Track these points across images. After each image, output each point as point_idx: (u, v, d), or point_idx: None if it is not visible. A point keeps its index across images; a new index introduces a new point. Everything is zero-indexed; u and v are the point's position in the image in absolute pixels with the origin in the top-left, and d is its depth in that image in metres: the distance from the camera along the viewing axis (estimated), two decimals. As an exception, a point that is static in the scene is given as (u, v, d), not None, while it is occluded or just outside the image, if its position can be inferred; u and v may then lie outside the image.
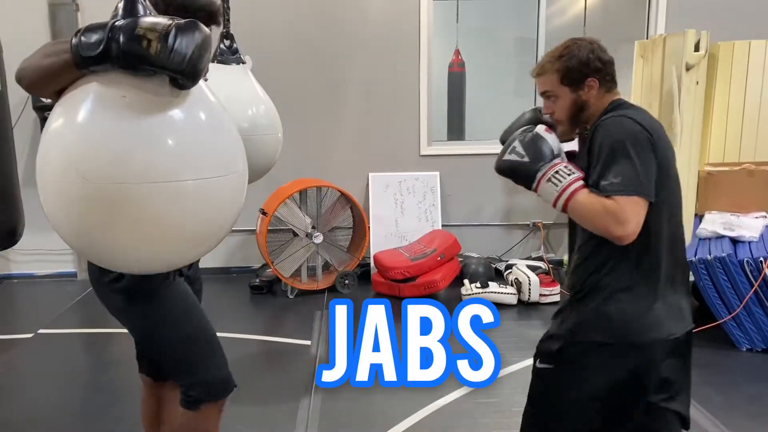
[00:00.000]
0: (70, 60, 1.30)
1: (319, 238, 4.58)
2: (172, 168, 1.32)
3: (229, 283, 4.90)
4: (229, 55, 2.74)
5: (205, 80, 1.53)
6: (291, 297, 4.56)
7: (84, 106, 1.32)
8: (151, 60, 1.25)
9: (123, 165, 1.28)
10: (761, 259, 3.38)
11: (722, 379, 3.21)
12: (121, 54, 1.25)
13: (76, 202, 1.30)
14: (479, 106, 5.76)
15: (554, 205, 1.56)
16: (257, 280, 4.69)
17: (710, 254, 3.49)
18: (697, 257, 3.51)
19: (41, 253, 4.73)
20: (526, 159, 1.61)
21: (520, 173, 1.63)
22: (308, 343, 3.75)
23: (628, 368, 1.61)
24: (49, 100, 1.45)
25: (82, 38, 1.29)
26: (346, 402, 3.02)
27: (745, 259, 3.41)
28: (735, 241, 3.67)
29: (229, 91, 2.76)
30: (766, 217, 3.88)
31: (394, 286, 4.48)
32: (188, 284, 1.90)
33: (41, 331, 3.87)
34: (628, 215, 1.47)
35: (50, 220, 1.38)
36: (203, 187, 1.37)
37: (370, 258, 4.77)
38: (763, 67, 4.27)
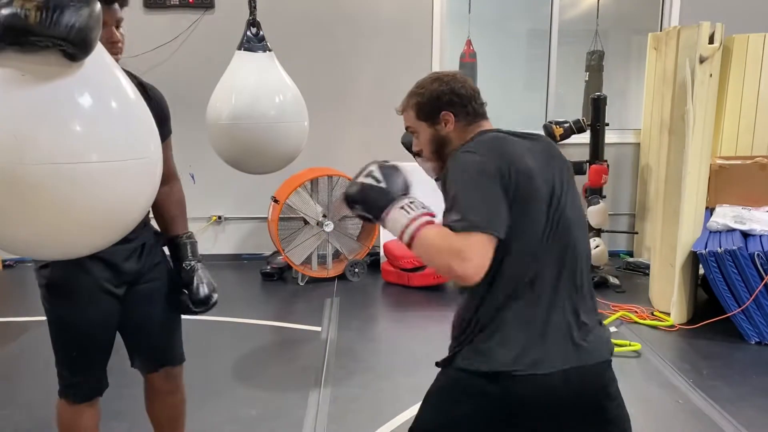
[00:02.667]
0: None
1: (329, 227, 4.61)
2: (74, 148, 1.27)
3: (240, 269, 4.94)
4: (256, 43, 2.76)
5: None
6: (301, 284, 4.60)
7: None
8: (32, 30, 1.23)
9: (22, 145, 1.23)
10: (772, 252, 3.38)
11: (731, 371, 3.22)
12: (2, 30, 1.23)
13: None
14: (490, 98, 5.63)
15: (401, 237, 1.43)
16: (268, 267, 4.73)
17: (720, 247, 3.49)
18: (707, 250, 3.52)
19: (55, 237, 4.77)
20: (382, 184, 1.49)
21: (373, 197, 1.49)
22: (318, 329, 3.78)
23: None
24: None
25: None
26: (356, 388, 3.05)
27: (756, 253, 3.41)
28: (746, 235, 3.67)
29: (256, 79, 2.80)
30: (777, 210, 3.88)
31: (404, 275, 4.51)
32: (133, 282, 1.89)
33: (55, 314, 3.92)
34: (469, 251, 1.32)
35: None
36: (108, 170, 1.32)
37: (379, 247, 4.80)
38: (778, 61, 4.26)
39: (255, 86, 2.76)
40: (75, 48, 1.28)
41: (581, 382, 1.44)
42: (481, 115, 1.62)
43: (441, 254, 1.37)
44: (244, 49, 2.77)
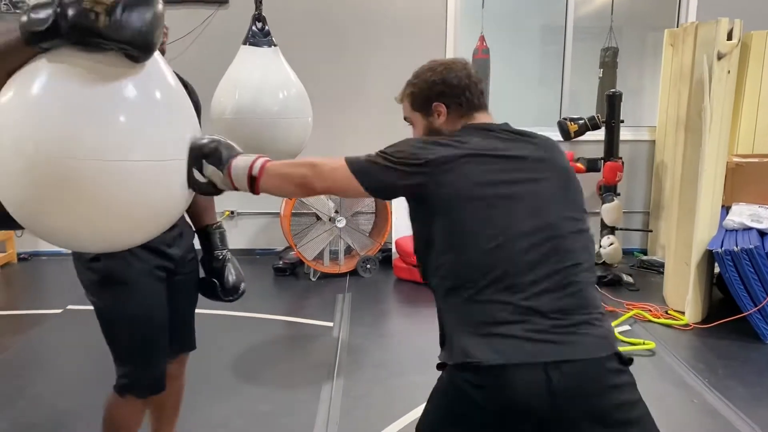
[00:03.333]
0: (20, 38, 1.27)
1: (341, 223, 4.61)
2: (121, 146, 1.28)
3: (253, 264, 4.95)
4: (261, 38, 2.75)
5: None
6: (313, 280, 4.60)
7: (34, 81, 1.28)
8: (99, 33, 1.22)
9: (73, 141, 1.25)
10: (789, 251, 3.34)
11: (747, 371, 3.18)
12: (69, 28, 1.22)
13: (23, 177, 1.27)
14: (503, 94, 5.71)
15: (250, 173, 1.42)
16: (280, 263, 4.75)
17: (737, 246, 3.46)
18: (723, 248, 3.48)
19: (69, 231, 4.80)
20: (228, 141, 1.48)
21: (226, 147, 1.46)
22: (330, 325, 3.79)
23: None
24: None
25: (31, 15, 1.26)
26: (368, 383, 3.05)
27: (773, 251, 3.37)
28: (762, 233, 3.63)
29: (260, 74, 2.79)
30: (795, 209, 3.83)
31: (416, 272, 4.50)
32: (174, 271, 1.92)
33: (70, 306, 3.96)
34: (321, 163, 1.42)
35: (5, 201, 1.34)
36: (153, 168, 1.34)
37: (392, 243, 4.80)
38: (797, 58, 4.21)
39: (259, 81, 2.76)
40: (139, 51, 1.29)
41: (566, 377, 1.29)
42: (475, 107, 1.55)
43: (294, 168, 1.44)
44: (250, 44, 2.77)
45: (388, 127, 5.02)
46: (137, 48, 1.27)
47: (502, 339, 1.33)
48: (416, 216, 1.48)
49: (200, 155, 1.43)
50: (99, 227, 1.36)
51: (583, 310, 1.37)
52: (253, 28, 2.75)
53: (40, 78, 1.28)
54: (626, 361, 1.37)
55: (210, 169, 1.43)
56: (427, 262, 1.47)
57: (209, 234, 2.10)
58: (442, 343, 1.53)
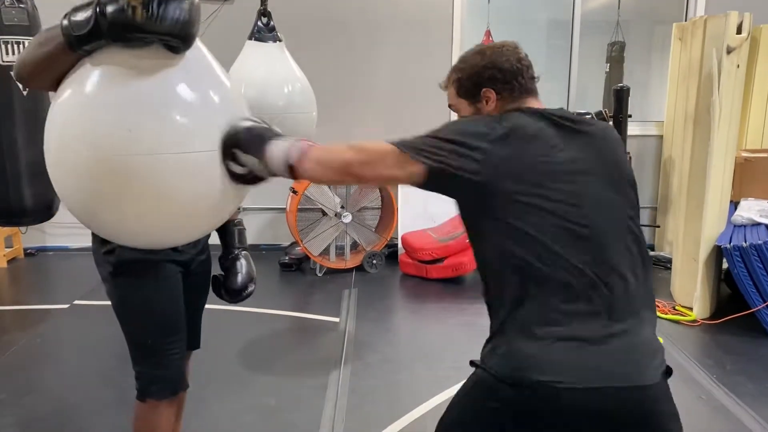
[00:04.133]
0: (64, 43, 1.29)
1: (347, 218, 4.60)
2: (177, 139, 1.30)
3: (258, 259, 4.86)
4: (266, 33, 2.75)
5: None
6: (319, 275, 4.60)
7: (85, 83, 1.30)
8: (139, 26, 1.25)
9: (131, 136, 1.27)
10: (799, 247, 3.32)
11: (755, 367, 3.17)
12: (109, 25, 1.25)
13: (83, 174, 1.29)
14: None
15: (288, 159, 1.33)
16: (286, 258, 4.74)
17: (745, 241, 3.43)
18: (731, 244, 3.46)
19: (75, 226, 4.78)
20: (264, 125, 1.41)
21: (258, 131, 1.38)
22: (337, 320, 3.79)
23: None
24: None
25: (72, 19, 1.29)
26: (374, 378, 3.05)
27: (782, 247, 3.35)
28: (771, 229, 3.61)
29: (265, 69, 2.79)
30: (804, 204, 3.80)
31: (422, 267, 4.50)
32: (184, 269, 1.87)
33: (77, 302, 3.97)
34: (373, 152, 1.31)
35: (58, 192, 1.37)
36: (215, 158, 1.34)
37: (398, 239, 4.78)
38: (807, 51, 4.17)
39: (264, 76, 2.76)
40: (179, 41, 1.30)
41: (608, 402, 1.25)
42: (528, 92, 1.44)
43: (339, 152, 1.33)
44: (255, 39, 2.77)
45: (394, 121, 5.03)
46: (177, 38, 1.29)
47: (568, 358, 1.27)
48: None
49: (232, 144, 1.37)
50: (158, 221, 1.37)
51: (638, 325, 1.32)
52: (259, 23, 2.75)
53: (91, 79, 1.30)
54: (669, 371, 1.35)
55: (245, 158, 1.37)
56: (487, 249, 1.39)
57: (229, 231, 2.06)
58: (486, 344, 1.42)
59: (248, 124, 1.40)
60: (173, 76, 1.33)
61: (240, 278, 2.03)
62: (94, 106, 1.30)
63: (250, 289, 2.07)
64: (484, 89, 1.44)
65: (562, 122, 1.37)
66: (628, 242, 1.35)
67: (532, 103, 1.44)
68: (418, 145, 1.32)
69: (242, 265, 2.05)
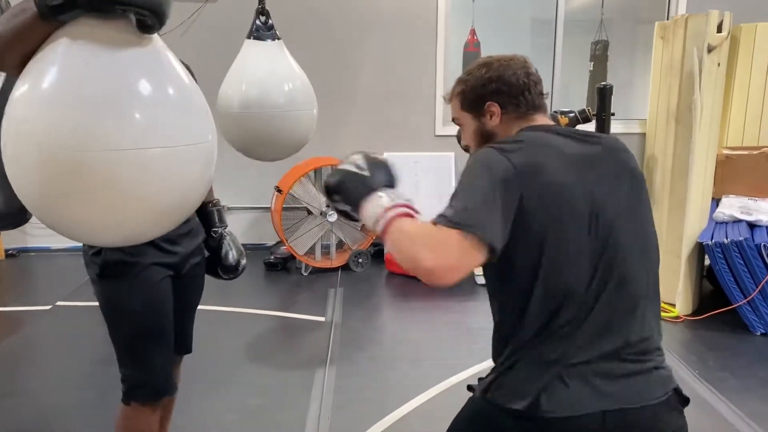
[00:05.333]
0: (36, 14, 1.25)
1: (333, 217, 4.59)
2: (138, 135, 1.27)
3: (243, 259, 4.92)
4: (265, 31, 2.76)
5: None
6: (305, 274, 4.59)
7: (48, 71, 1.27)
8: None
9: (87, 131, 1.23)
10: (779, 243, 3.36)
11: (736, 362, 3.21)
12: None
13: (37, 170, 1.26)
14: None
15: (375, 225, 1.28)
16: (272, 257, 4.73)
17: (727, 238, 3.48)
18: (713, 241, 3.50)
19: (58, 227, 4.77)
20: (366, 173, 1.34)
21: (352, 185, 1.34)
22: (322, 319, 3.78)
23: None
24: None
25: None
26: (360, 377, 3.05)
27: (762, 244, 3.39)
28: (752, 225, 3.65)
29: (265, 67, 2.80)
30: (784, 201, 3.85)
31: (408, 266, 4.50)
32: (176, 271, 1.86)
33: (59, 303, 3.92)
34: (447, 245, 1.17)
35: (16, 190, 1.33)
36: (170, 155, 1.32)
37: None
38: (786, 50, 4.22)
39: (265, 75, 2.77)
40: (154, 17, 1.28)
41: (620, 427, 1.25)
42: (535, 108, 1.40)
43: (412, 244, 1.20)
44: (254, 38, 2.77)
45: (379, 121, 5.03)
46: (153, 13, 1.27)
47: (566, 385, 1.26)
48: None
49: (331, 191, 1.38)
50: (117, 219, 1.34)
51: (645, 347, 1.31)
52: (257, 22, 2.75)
53: (50, 72, 1.27)
54: (685, 400, 1.35)
55: (341, 206, 1.37)
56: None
57: (207, 212, 2.06)
58: (490, 374, 1.39)
59: (346, 169, 1.36)
60: (134, 70, 1.31)
61: (231, 255, 2.04)
62: (53, 101, 1.26)
63: (243, 263, 2.08)
64: (488, 103, 1.40)
65: (575, 137, 1.35)
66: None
67: (539, 120, 1.40)
68: (476, 219, 1.20)
69: (230, 241, 2.06)
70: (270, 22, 2.76)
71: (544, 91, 1.43)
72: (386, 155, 1.47)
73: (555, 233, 1.24)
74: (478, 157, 1.29)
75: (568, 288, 1.25)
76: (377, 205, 1.29)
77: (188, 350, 2.10)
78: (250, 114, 2.72)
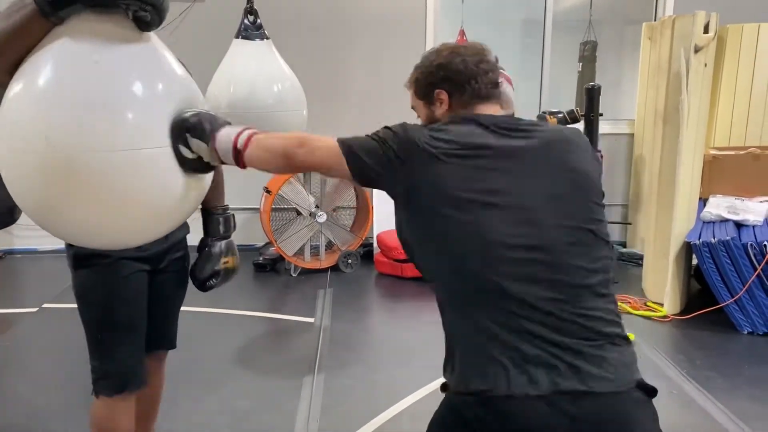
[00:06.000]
0: (35, 10, 1.24)
1: (322, 218, 4.58)
2: (133, 135, 1.28)
3: (232, 261, 4.90)
4: (254, 31, 2.73)
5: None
6: (294, 275, 4.58)
7: (40, 75, 1.26)
8: None
9: (94, 132, 1.23)
10: (765, 242, 3.38)
11: (724, 361, 3.22)
12: None
13: (31, 171, 1.26)
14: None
15: (235, 146, 1.32)
16: (260, 258, 4.71)
17: (714, 237, 3.50)
18: (701, 240, 3.52)
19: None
20: (212, 113, 1.40)
21: (206, 118, 1.35)
22: (312, 320, 3.77)
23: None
24: None
25: None
26: (349, 378, 3.04)
27: (749, 243, 3.41)
28: (739, 225, 3.68)
29: (254, 68, 2.77)
30: (770, 201, 3.88)
31: (397, 266, 4.49)
32: (152, 267, 1.87)
33: (46, 305, 3.89)
34: (315, 143, 1.30)
35: (10, 191, 1.33)
36: (167, 155, 1.33)
37: (373, 238, 4.78)
38: (772, 51, 4.25)
39: (253, 75, 2.74)
40: (155, 13, 1.28)
41: (576, 411, 1.17)
42: (481, 98, 1.36)
43: (281, 140, 1.32)
44: (242, 38, 2.74)
45: (367, 121, 5.01)
46: (155, 8, 1.27)
47: (508, 365, 1.20)
48: (401, 215, 1.35)
49: (183, 128, 1.33)
50: (112, 221, 1.33)
51: (589, 334, 1.22)
52: (245, 21, 2.72)
53: (44, 73, 1.26)
54: (651, 391, 1.26)
55: (195, 143, 1.34)
56: (420, 266, 1.38)
57: (208, 217, 2.03)
58: (447, 361, 1.36)
59: (198, 110, 1.37)
60: (129, 69, 1.30)
61: (204, 268, 1.98)
62: (47, 102, 1.25)
63: (211, 282, 2.00)
64: (437, 90, 1.39)
65: (500, 131, 1.31)
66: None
67: (486, 109, 1.37)
68: (353, 147, 1.31)
69: (210, 255, 1.99)
70: (258, 21, 2.74)
71: (498, 80, 1.39)
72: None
73: (446, 222, 1.24)
74: (407, 124, 1.32)
75: (478, 271, 1.23)
76: (231, 131, 1.34)
77: (171, 345, 2.10)
78: (238, 115, 2.67)
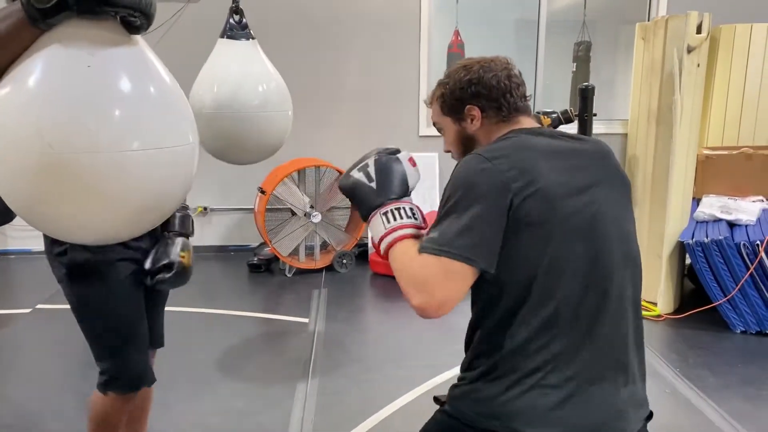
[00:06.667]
0: (23, 18, 1.24)
1: (317, 218, 4.58)
2: (118, 135, 1.29)
3: (227, 261, 4.90)
4: (239, 31, 2.72)
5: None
6: (289, 276, 4.57)
7: (30, 76, 1.26)
8: (109, 0, 1.24)
9: (90, 133, 1.24)
10: (758, 242, 3.40)
11: (717, 360, 3.24)
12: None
13: (18, 171, 1.26)
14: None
15: (378, 247, 1.31)
16: (255, 259, 4.70)
17: (707, 237, 3.51)
18: (694, 240, 3.53)
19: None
20: (373, 184, 1.33)
21: (360, 197, 1.35)
22: (306, 321, 3.77)
23: None
24: None
25: None
26: (344, 378, 3.04)
27: (742, 242, 3.43)
28: (732, 225, 3.69)
29: (239, 68, 2.76)
30: (763, 200, 3.90)
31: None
32: (141, 265, 1.86)
33: (39, 306, 3.88)
34: (430, 282, 1.16)
35: (4, 193, 1.33)
36: (152, 156, 1.34)
37: (368, 238, 4.78)
38: (764, 51, 4.27)
39: (238, 75, 2.73)
40: (144, 18, 1.30)
41: None
42: (517, 111, 1.36)
43: (401, 279, 1.21)
44: (227, 37, 2.73)
45: (363, 121, 5.03)
46: (144, 14, 1.29)
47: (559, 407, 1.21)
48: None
49: (346, 194, 1.39)
50: (97, 218, 1.34)
51: (623, 370, 1.27)
52: (231, 21, 2.71)
53: (34, 74, 1.27)
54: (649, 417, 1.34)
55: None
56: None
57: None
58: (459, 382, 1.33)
59: (360, 180, 1.36)
60: (123, 71, 1.31)
61: (159, 258, 1.90)
62: (36, 103, 1.26)
63: (164, 275, 1.89)
64: (468, 106, 1.36)
65: (561, 138, 1.32)
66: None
67: (524, 123, 1.36)
68: (462, 246, 1.18)
69: (166, 245, 1.93)
70: (244, 21, 2.73)
71: (527, 93, 1.39)
72: (407, 153, 1.41)
73: (548, 241, 1.19)
74: (462, 170, 1.24)
75: (561, 299, 1.20)
76: (378, 227, 1.30)
77: (160, 344, 2.11)
78: (222, 115, 2.66)
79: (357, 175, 1.36)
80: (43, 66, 1.27)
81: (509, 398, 1.21)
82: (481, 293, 1.27)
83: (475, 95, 1.35)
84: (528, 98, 1.39)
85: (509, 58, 1.41)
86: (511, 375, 1.22)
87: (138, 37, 1.39)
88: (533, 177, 1.20)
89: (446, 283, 1.16)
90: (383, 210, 1.30)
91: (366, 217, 1.34)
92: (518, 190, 1.18)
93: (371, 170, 1.34)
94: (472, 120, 1.37)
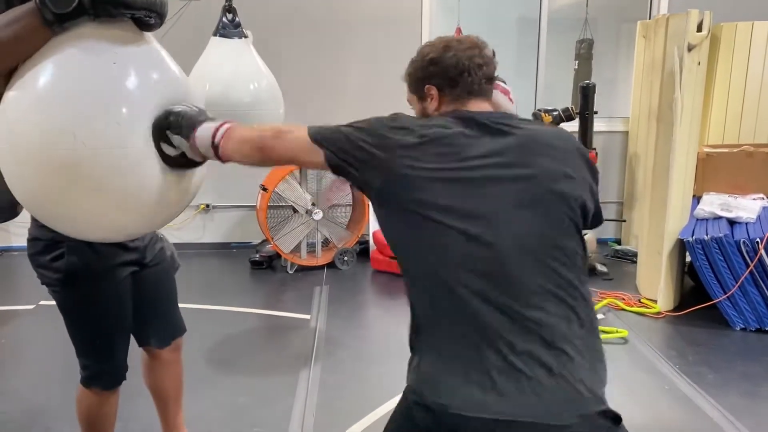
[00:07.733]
0: (37, 22, 1.26)
1: (318, 215, 4.59)
2: (124, 135, 1.31)
3: (229, 258, 4.92)
4: (232, 29, 2.73)
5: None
6: (290, 272, 4.59)
7: (40, 76, 1.28)
8: (127, 3, 1.27)
9: (82, 132, 1.26)
10: (758, 239, 3.41)
11: (716, 357, 3.25)
12: (99, 1, 1.26)
13: (28, 167, 1.28)
14: (480, 85, 5.72)
15: (213, 139, 1.32)
16: (257, 256, 4.72)
17: (707, 234, 3.52)
18: (694, 237, 3.54)
19: (41, 226, 4.73)
20: (195, 109, 1.41)
21: (187, 115, 1.36)
22: (308, 317, 3.79)
23: None
24: None
25: None
26: (345, 374, 3.06)
27: (742, 240, 3.44)
28: (732, 222, 3.70)
29: (231, 66, 2.77)
30: (763, 198, 3.91)
31: (393, 263, 4.50)
32: (141, 263, 1.90)
33: (42, 302, 3.90)
34: (286, 130, 1.31)
35: (11, 187, 1.35)
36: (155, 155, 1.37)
37: (369, 235, 4.80)
38: (765, 49, 4.29)
39: (230, 73, 2.74)
40: (158, 17, 1.34)
41: None
42: (471, 93, 1.31)
43: (256, 131, 1.32)
44: (220, 35, 2.75)
45: (363, 117, 5.02)
46: (158, 14, 1.33)
47: (459, 381, 1.22)
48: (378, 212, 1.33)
49: (163, 126, 1.34)
50: (106, 215, 1.36)
51: (545, 351, 1.20)
52: (224, 19, 2.73)
53: (43, 74, 1.29)
54: (615, 418, 1.21)
55: (177, 139, 1.34)
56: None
57: None
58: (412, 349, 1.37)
59: (180, 107, 1.38)
60: (124, 71, 1.33)
61: None
62: (68, 101, 1.28)
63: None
64: (427, 86, 1.35)
65: (481, 130, 1.26)
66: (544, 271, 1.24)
67: (477, 105, 1.32)
68: (327, 135, 1.30)
69: None
70: (237, 19, 2.75)
71: (494, 74, 1.35)
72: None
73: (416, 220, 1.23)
74: (376, 119, 1.31)
75: (442, 278, 1.26)
76: (210, 125, 1.34)
77: (184, 329, 2.17)
78: (213, 112, 2.69)
79: (178, 108, 1.38)
80: (69, 66, 1.29)
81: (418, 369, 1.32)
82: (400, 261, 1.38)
83: (433, 75, 1.34)
84: (494, 80, 1.36)
85: (478, 38, 1.38)
86: (431, 354, 1.33)
87: (149, 35, 1.41)
88: (427, 148, 1.24)
89: (298, 141, 1.30)
90: (209, 119, 1.38)
91: (191, 131, 1.34)
92: (405, 145, 1.24)
93: (192, 107, 1.42)
94: (431, 99, 1.35)
